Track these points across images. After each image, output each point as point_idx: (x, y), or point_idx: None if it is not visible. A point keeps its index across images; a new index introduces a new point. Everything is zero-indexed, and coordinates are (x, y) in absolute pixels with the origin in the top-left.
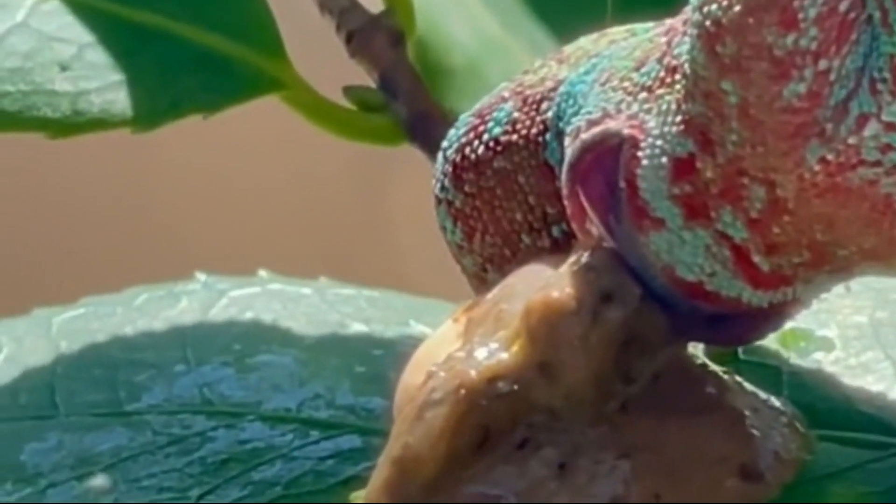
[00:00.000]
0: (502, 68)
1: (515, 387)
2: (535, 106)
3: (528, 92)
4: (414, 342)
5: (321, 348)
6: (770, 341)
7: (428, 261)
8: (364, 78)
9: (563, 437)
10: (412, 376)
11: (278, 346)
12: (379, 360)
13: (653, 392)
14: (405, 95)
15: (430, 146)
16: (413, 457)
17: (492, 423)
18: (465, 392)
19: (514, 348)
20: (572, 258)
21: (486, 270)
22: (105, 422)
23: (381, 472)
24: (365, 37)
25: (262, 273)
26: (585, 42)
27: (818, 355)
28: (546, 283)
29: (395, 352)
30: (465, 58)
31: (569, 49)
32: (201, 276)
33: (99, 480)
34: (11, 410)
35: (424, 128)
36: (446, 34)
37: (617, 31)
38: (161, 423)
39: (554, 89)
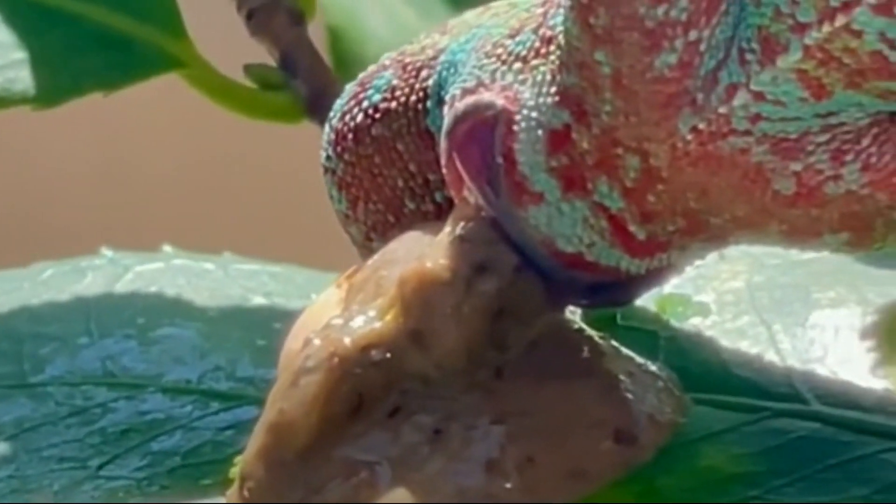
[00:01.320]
0: None
1: (388, 355)
2: (414, 73)
3: (408, 60)
4: None
5: (223, 322)
6: (648, 306)
7: (329, 236)
8: (264, 56)
9: (436, 404)
10: (294, 342)
11: (181, 320)
12: (280, 333)
13: (529, 357)
14: (305, 73)
15: None
16: (287, 423)
17: (365, 390)
18: (338, 360)
19: (388, 317)
20: (448, 228)
21: (370, 239)
22: (9, 393)
23: (256, 438)
24: (265, 15)
25: (167, 248)
26: (469, 15)
27: (695, 320)
28: (421, 252)
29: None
30: (380, 48)
31: (453, 22)
32: (107, 252)
33: (0, 450)
34: None
35: (324, 105)
36: (361, 24)
37: (500, 5)
38: (63, 394)
39: (434, 58)
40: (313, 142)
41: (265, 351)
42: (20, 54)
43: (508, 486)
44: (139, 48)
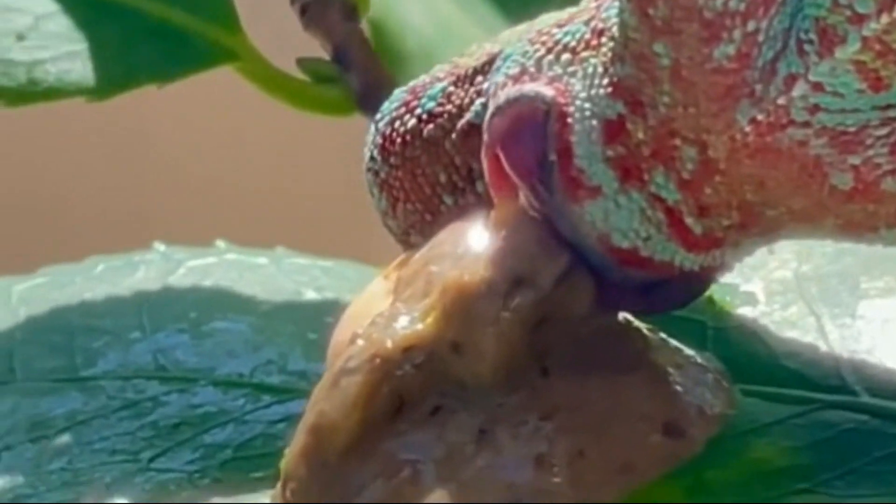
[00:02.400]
0: (457, 52)
1: (429, 358)
2: (468, 80)
3: (461, 70)
4: None
5: (275, 316)
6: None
7: (380, 230)
8: (318, 50)
9: (478, 407)
10: (341, 334)
11: (233, 314)
12: (331, 327)
13: (576, 352)
14: (358, 67)
15: None
16: (328, 424)
17: (406, 391)
18: (379, 361)
19: (430, 320)
20: (488, 234)
21: (408, 234)
22: (61, 387)
23: (298, 439)
24: (319, 9)
25: (220, 243)
26: (521, 27)
27: (743, 310)
28: (463, 260)
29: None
30: (420, 42)
31: (504, 34)
32: (160, 246)
33: (53, 443)
34: None
35: (376, 99)
36: (401, 18)
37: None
38: (115, 387)
39: (488, 63)
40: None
41: (317, 345)
42: (76, 46)
43: (558, 480)
44: (194, 41)
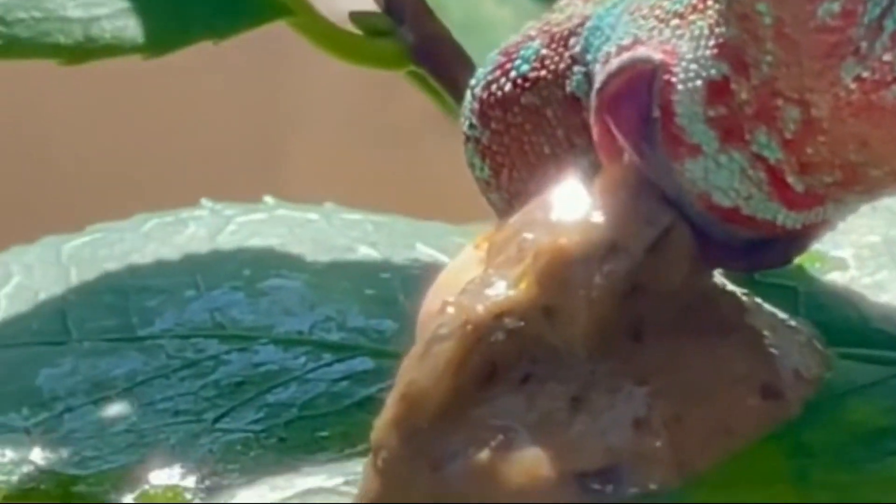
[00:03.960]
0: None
1: (522, 324)
2: (562, 42)
3: (555, 29)
4: (420, 265)
5: (330, 272)
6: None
7: (429, 184)
8: (370, 3)
9: (570, 374)
10: (431, 304)
11: (287, 271)
12: (387, 283)
13: (670, 318)
14: (411, 20)
15: (436, 70)
16: (419, 391)
17: (498, 358)
18: (472, 327)
19: (522, 286)
20: (589, 199)
21: (512, 206)
22: (118, 347)
23: (388, 408)
24: None
25: (268, 199)
26: None
27: (833, 275)
28: (559, 225)
29: (402, 274)
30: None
31: None
32: (208, 203)
33: (115, 404)
34: (24, 336)
35: (430, 52)
36: None
37: None
38: (174, 347)
39: (581, 24)
40: (415, 91)
41: (374, 301)
42: (127, 3)
43: (658, 444)
44: None
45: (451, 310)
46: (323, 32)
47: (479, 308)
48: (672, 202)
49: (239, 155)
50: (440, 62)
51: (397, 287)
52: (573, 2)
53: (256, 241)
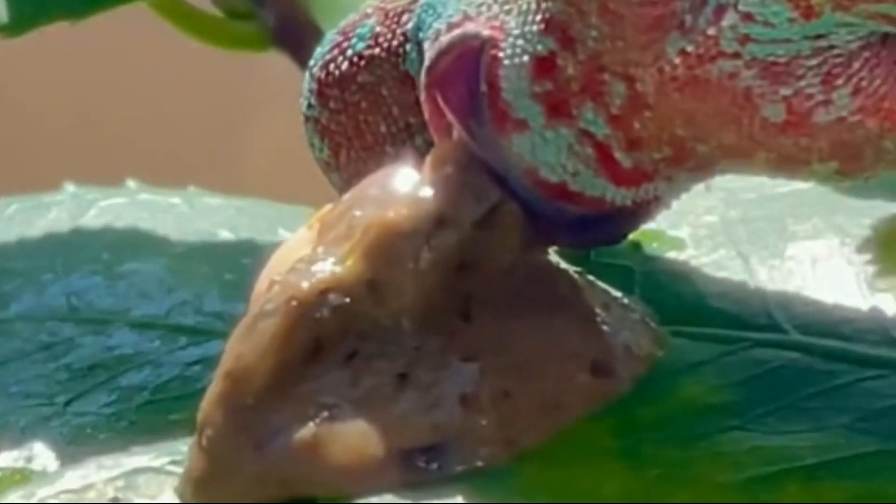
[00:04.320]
0: None
1: (347, 300)
2: (396, 19)
3: (389, 6)
4: None
5: (190, 256)
6: (621, 243)
7: (295, 168)
8: None
9: (396, 350)
10: (262, 283)
11: (147, 255)
12: (247, 268)
13: (501, 295)
14: (272, 3)
15: (297, 53)
16: (244, 368)
17: (323, 334)
18: (296, 303)
19: (349, 262)
20: (418, 174)
21: (352, 186)
22: None
23: (214, 385)
24: None
25: (131, 183)
26: None
27: (670, 255)
28: (388, 200)
29: (263, 260)
30: None
31: None
32: (69, 187)
33: None
34: None
35: (291, 35)
36: None
37: None
38: (29, 330)
39: (415, 1)
40: (280, 72)
41: (233, 285)
42: None
43: (485, 421)
44: None
45: (277, 287)
46: (182, 14)
47: (304, 285)
48: (501, 178)
49: (101, 136)
50: (301, 44)
51: (257, 272)
52: None
53: (118, 225)
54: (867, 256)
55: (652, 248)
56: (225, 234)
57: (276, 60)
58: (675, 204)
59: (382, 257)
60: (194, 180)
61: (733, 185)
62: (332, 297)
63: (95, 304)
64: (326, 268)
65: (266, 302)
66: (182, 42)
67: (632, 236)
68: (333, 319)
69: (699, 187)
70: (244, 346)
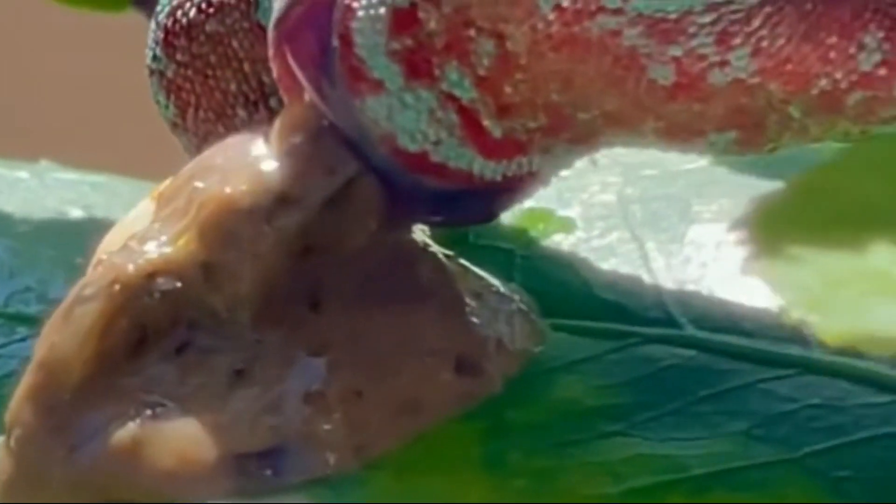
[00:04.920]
0: None
1: (178, 284)
2: None
3: None
4: None
5: (36, 237)
6: (504, 222)
7: (159, 140)
8: None
9: (233, 344)
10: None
11: None
12: None
13: (355, 282)
14: None
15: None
16: (59, 359)
17: (149, 322)
18: (119, 287)
19: (181, 242)
20: (265, 145)
21: (202, 150)
22: None
23: (25, 378)
24: None
25: None
26: None
27: (557, 237)
28: (231, 173)
29: None
30: None
31: None
32: None
33: None
34: None
35: None
36: None
37: None
38: None
39: None
40: (140, 35)
41: (82, 270)
42: None
43: (329, 427)
44: None
45: (100, 269)
46: None
47: (130, 267)
48: (356, 147)
49: None
50: None
51: None
52: None
53: None
54: (741, 235)
55: (538, 229)
56: (76, 213)
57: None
58: (567, 180)
59: (218, 238)
60: (46, 153)
61: (634, 161)
62: (161, 281)
63: None
64: (156, 248)
65: (85, 286)
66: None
67: (515, 216)
68: (161, 306)
69: (601, 161)
70: (60, 334)
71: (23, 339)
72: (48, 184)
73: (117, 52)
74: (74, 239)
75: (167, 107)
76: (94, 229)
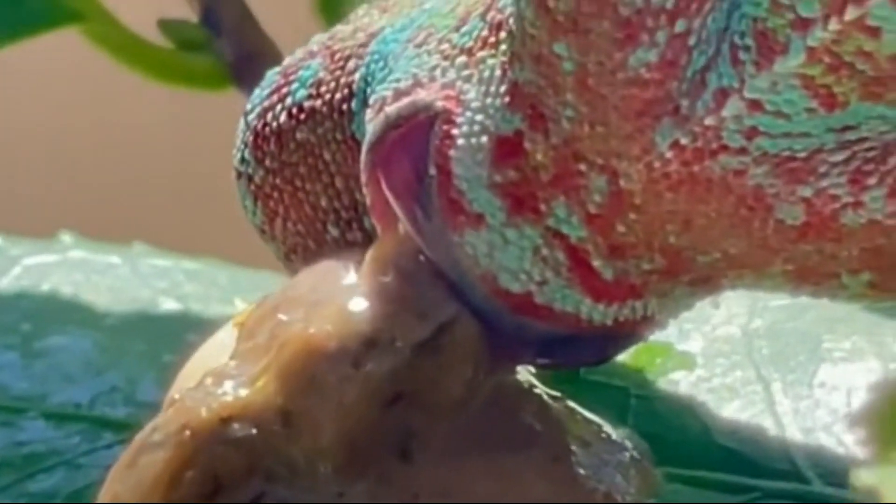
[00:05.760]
0: None
1: (253, 431)
2: (341, 64)
3: (337, 46)
4: None
5: (125, 331)
6: (619, 357)
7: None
8: (184, 10)
9: (312, 496)
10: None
11: (74, 327)
12: (192, 346)
13: (451, 430)
14: (231, 32)
15: None
16: None
17: (222, 472)
18: (190, 433)
19: (260, 384)
20: (355, 279)
21: (291, 262)
22: None
23: None
24: None
25: (65, 237)
26: None
27: (676, 375)
28: (318, 308)
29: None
30: None
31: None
32: None
33: None
34: None
35: (252, 70)
36: None
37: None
38: None
39: (365, 45)
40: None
41: (173, 369)
42: None
43: None
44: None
45: (171, 411)
46: (123, 43)
47: (202, 410)
48: (453, 286)
49: (34, 180)
50: None
51: None
52: (370, 11)
53: (44, 289)
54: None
55: (655, 365)
56: (169, 304)
57: (235, 100)
58: (691, 311)
59: (299, 383)
60: (143, 236)
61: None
62: (236, 427)
63: (7, 387)
64: (232, 389)
65: (153, 430)
66: (127, 76)
67: (632, 351)
68: (236, 455)
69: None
70: (123, 484)
71: (108, 447)
72: (141, 270)
73: (217, 129)
74: (166, 334)
75: (254, 213)
76: (187, 323)
